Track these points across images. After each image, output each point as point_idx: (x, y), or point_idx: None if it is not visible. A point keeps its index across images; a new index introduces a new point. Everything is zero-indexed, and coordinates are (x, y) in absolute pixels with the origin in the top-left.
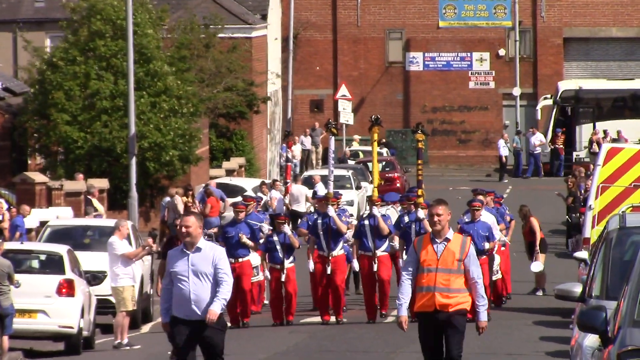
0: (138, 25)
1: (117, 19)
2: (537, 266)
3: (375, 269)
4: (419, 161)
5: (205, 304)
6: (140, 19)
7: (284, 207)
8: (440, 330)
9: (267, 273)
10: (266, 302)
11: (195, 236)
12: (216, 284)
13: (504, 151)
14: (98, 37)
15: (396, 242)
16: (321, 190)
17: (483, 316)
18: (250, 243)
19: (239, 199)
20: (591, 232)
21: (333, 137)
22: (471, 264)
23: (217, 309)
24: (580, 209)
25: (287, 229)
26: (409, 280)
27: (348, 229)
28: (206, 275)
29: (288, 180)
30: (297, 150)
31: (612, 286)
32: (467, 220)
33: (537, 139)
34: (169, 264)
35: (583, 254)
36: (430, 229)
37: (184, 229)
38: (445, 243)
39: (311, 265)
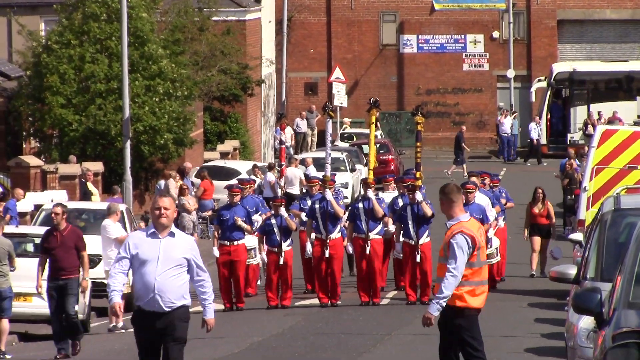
0: (132, 8)
1: (112, 1)
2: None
3: (367, 251)
4: (418, 144)
5: (169, 295)
6: (135, 1)
7: (279, 190)
8: (444, 326)
9: (264, 256)
10: (259, 282)
11: (171, 219)
12: (188, 275)
13: (535, 134)
14: (92, 19)
15: (391, 226)
16: (313, 172)
17: (431, 308)
18: (245, 226)
19: (234, 181)
20: (586, 214)
21: (331, 120)
22: (450, 250)
23: (212, 315)
24: (575, 191)
25: (283, 211)
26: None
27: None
28: (176, 265)
29: (283, 163)
30: (289, 132)
31: (606, 268)
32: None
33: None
34: (132, 247)
35: (578, 235)
36: (428, 212)
37: (161, 210)
38: (447, 231)
39: (309, 248)
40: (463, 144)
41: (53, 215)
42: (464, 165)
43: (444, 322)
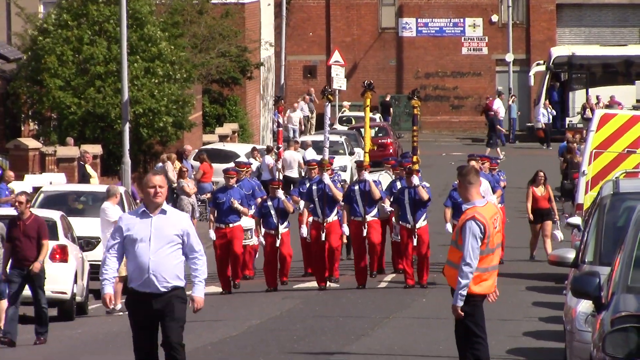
0: None
1: None
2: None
3: (364, 234)
4: (415, 127)
5: (165, 275)
6: None
7: (277, 173)
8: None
9: (262, 239)
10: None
11: (164, 198)
12: (184, 256)
13: (544, 119)
14: (90, 2)
15: (388, 207)
16: (310, 155)
17: (455, 300)
18: (241, 208)
19: (232, 164)
20: (584, 198)
21: (329, 104)
22: (461, 235)
23: (201, 293)
24: (573, 175)
25: (280, 194)
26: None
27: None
28: (169, 242)
29: (280, 146)
30: (296, 116)
31: (605, 252)
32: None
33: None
34: (124, 229)
35: (576, 219)
36: (425, 196)
37: (156, 189)
38: (460, 214)
39: (304, 231)
40: (498, 126)
41: (17, 204)
42: (498, 149)
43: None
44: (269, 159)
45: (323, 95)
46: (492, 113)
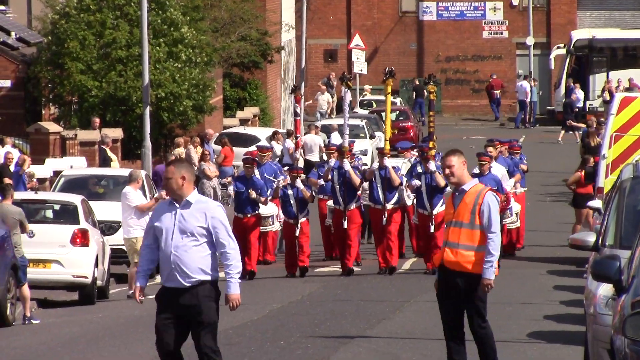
0: None
1: None
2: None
3: (384, 222)
4: (431, 112)
5: (190, 270)
6: None
7: (299, 158)
8: (455, 293)
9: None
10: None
11: (178, 188)
12: (213, 247)
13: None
14: None
15: (408, 193)
16: (335, 139)
17: (488, 273)
18: (260, 198)
19: (253, 148)
20: (605, 182)
21: (349, 90)
22: (484, 215)
23: (235, 290)
24: (594, 158)
25: (299, 183)
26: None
27: (366, 178)
28: (195, 234)
29: (298, 135)
30: (323, 99)
31: (625, 235)
32: (476, 172)
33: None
34: (154, 218)
35: (597, 203)
36: (441, 182)
37: (165, 180)
38: (462, 195)
39: (329, 217)
40: (576, 109)
41: None
42: (577, 133)
43: (456, 289)
44: (290, 143)
45: (342, 82)
46: (497, 92)
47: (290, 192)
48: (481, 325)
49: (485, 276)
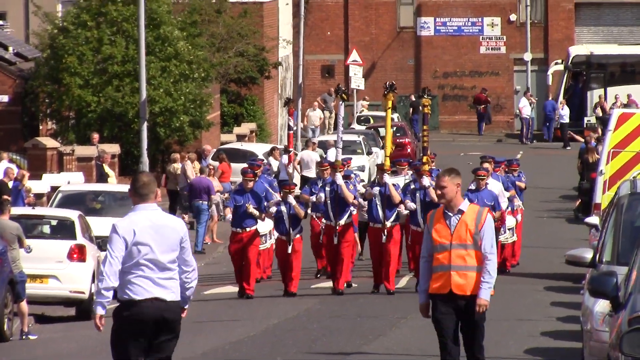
0: None
1: None
2: None
3: (384, 240)
4: (425, 127)
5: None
6: None
7: (295, 173)
8: (456, 316)
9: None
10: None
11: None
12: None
13: (562, 119)
14: (110, 1)
15: (405, 210)
16: (332, 155)
17: (485, 294)
18: (257, 213)
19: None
20: (602, 198)
21: (343, 103)
22: (485, 237)
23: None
24: (591, 175)
25: (292, 199)
26: (428, 263)
27: (365, 197)
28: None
29: (291, 149)
30: (315, 115)
31: (623, 252)
32: (472, 188)
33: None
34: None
35: (594, 219)
36: (436, 198)
37: None
38: (459, 216)
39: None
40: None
41: None
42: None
43: (457, 311)
44: (286, 159)
45: (337, 94)
46: (483, 107)
47: (283, 208)
48: (482, 345)
49: (482, 297)
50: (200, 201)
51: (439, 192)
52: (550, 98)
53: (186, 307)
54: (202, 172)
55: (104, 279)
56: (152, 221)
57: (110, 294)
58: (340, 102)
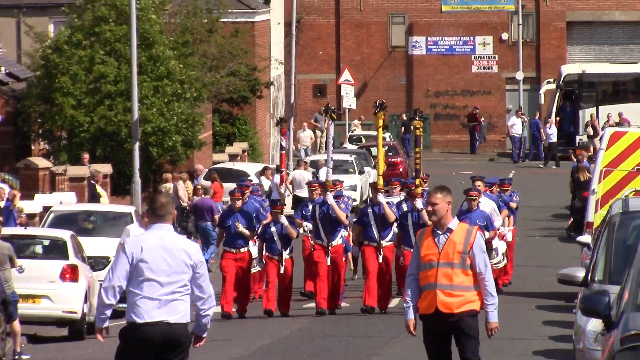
0: (142, 10)
1: (121, 4)
2: None
3: (380, 260)
4: (417, 149)
5: None
6: (144, 3)
7: (282, 196)
8: (446, 335)
9: (264, 262)
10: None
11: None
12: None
13: (554, 137)
14: (102, 22)
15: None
16: (324, 175)
17: (492, 316)
18: (246, 232)
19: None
20: (594, 216)
21: (333, 123)
22: (477, 257)
23: None
24: (582, 194)
25: (283, 219)
26: (415, 281)
27: (352, 211)
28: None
29: (283, 169)
30: (306, 136)
31: (615, 270)
32: (464, 208)
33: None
34: None
35: (586, 238)
36: (428, 220)
37: None
38: (448, 234)
39: (308, 226)
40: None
41: None
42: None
43: (446, 329)
44: (278, 178)
45: (326, 114)
46: (475, 124)
47: (273, 229)
48: (478, 358)
49: (490, 320)
50: (205, 222)
51: (430, 208)
52: (537, 117)
53: (204, 335)
54: (196, 192)
55: (101, 296)
56: (164, 241)
57: (108, 311)
58: (330, 122)
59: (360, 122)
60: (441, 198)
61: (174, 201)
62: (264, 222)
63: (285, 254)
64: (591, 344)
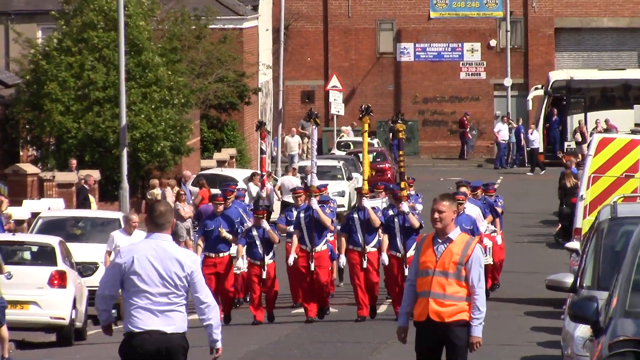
0: (130, 16)
1: (109, 10)
2: None
3: (364, 265)
4: (401, 152)
5: None
6: (132, 10)
7: (273, 199)
8: (437, 344)
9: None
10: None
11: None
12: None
13: (537, 144)
14: (90, 28)
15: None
16: (313, 181)
17: (476, 331)
18: (229, 237)
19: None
20: (583, 223)
21: (316, 128)
22: (472, 269)
23: None
24: (570, 199)
25: (265, 224)
26: (412, 287)
27: (337, 218)
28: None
29: (264, 173)
30: (294, 141)
31: (603, 276)
32: None
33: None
34: None
35: (574, 244)
36: (416, 223)
37: None
38: (447, 244)
39: (291, 259)
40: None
41: None
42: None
43: (438, 338)
44: (267, 185)
45: (309, 119)
46: (466, 130)
47: (254, 233)
48: None
49: (474, 334)
50: None
51: (436, 216)
52: (520, 123)
53: (216, 346)
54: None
55: (96, 303)
56: (157, 252)
57: (105, 314)
58: (314, 127)
59: (352, 129)
60: (448, 206)
61: (172, 210)
62: (246, 225)
63: (268, 259)
64: (579, 350)
